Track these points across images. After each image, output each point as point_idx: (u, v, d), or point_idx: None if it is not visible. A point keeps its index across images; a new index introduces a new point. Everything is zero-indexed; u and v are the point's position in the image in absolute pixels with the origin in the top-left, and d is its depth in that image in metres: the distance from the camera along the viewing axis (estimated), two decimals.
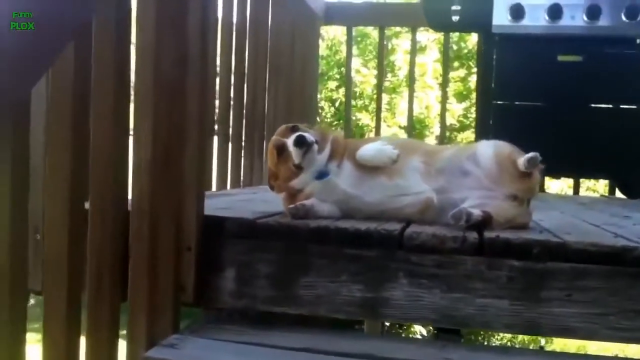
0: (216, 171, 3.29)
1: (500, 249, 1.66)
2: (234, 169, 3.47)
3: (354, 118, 8.66)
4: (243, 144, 3.62)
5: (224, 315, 1.79)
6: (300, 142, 1.87)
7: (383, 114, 8.55)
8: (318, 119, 8.81)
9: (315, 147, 1.90)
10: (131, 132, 1.67)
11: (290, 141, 1.89)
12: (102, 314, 1.65)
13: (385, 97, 8.63)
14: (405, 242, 1.69)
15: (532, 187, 1.94)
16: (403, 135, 8.04)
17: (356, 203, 1.92)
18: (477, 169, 1.95)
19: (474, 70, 8.93)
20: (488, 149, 1.98)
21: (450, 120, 8.67)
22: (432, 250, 1.68)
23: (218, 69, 3.38)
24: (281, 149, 1.92)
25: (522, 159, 1.87)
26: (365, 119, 8.51)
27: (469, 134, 9.80)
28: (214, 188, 3.20)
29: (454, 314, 1.68)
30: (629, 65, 4.18)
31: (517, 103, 4.40)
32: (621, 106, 4.31)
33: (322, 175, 1.92)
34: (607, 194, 4.98)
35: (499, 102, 4.36)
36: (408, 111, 5.59)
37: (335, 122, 8.94)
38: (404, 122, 7.98)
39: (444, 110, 5.49)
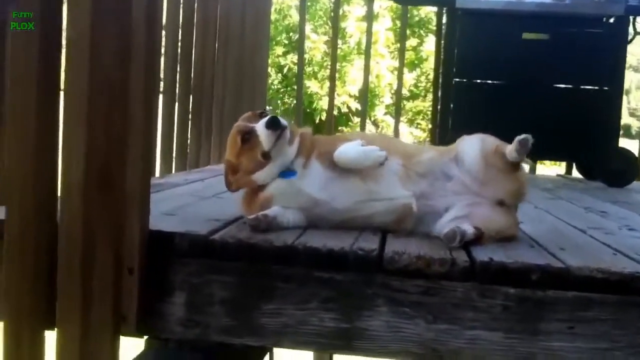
0: (160, 153, 2.99)
1: (494, 274, 1.45)
2: (179, 151, 3.17)
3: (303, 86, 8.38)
4: (190, 122, 3.31)
5: (171, 346, 1.53)
6: (275, 124, 1.62)
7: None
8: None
9: (288, 133, 1.65)
10: None
11: (261, 124, 1.65)
12: (22, 344, 1.38)
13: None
14: (386, 264, 1.46)
15: (519, 189, 1.74)
16: (354, 104, 7.82)
17: (324, 209, 1.68)
18: (461, 171, 1.73)
19: (426, 38, 8.75)
20: (474, 146, 1.75)
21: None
22: (416, 274, 1.45)
23: (164, 38, 3.06)
24: (247, 135, 1.65)
25: (512, 145, 1.65)
26: (314, 86, 8.22)
27: (418, 103, 9.66)
28: (157, 173, 2.91)
29: (440, 347, 1.46)
30: (595, 45, 4.03)
31: (478, 81, 4.21)
32: (581, 87, 4.16)
33: (288, 173, 1.67)
34: (564, 174, 4.88)
35: (460, 79, 4.16)
36: (363, 81, 5.36)
37: (283, 90, 8.62)
38: (354, 91, 7.75)
39: (400, 84, 5.29)
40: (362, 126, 5.49)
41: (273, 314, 1.48)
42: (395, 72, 7.25)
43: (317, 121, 7.97)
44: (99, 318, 1.39)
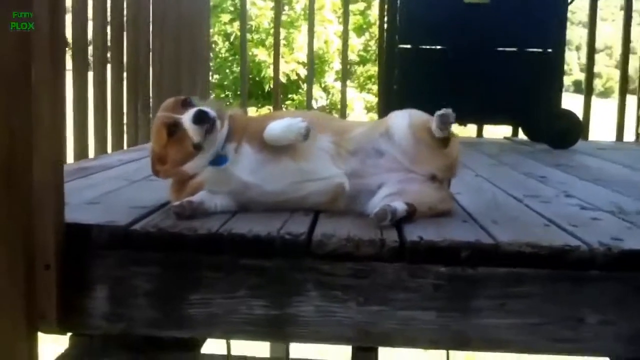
0: (93, 133, 2.89)
1: (425, 254, 1.42)
2: (114, 129, 3.06)
3: (250, 54, 8.23)
4: (125, 99, 3.20)
5: (96, 342, 1.47)
6: (202, 118, 1.54)
7: (281, 50, 8.18)
8: (211, 54, 8.32)
9: (218, 124, 1.58)
10: None
11: (187, 117, 1.56)
12: None
13: (282, 32, 8.23)
14: (314, 249, 1.42)
15: (451, 164, 1.71)
16: (303, 71, 7.72)
17: (255, 193, 1.63)
18: (392, 147, 1.69)
19: (374, 2, 8.67)
20: (402, 120, 1.71)
21: (350, 55, 8.39)
22: (345, 257, 1.42)
23: (90, 8, 2.92)
24: (173, 128, 1.57)
25: (434, 123, 1.62)
26: (261, 54, 8.08)
27: (370, 67, 9.59)
28: (91, 154, 2.81)
29: (372, 329, 1.43)
30: (537, 7, 4.02)
31: (422, 47, 4.18)
32: (525, 49, 4.16)
33: (219, 160, 1.61)
34: (510, 137, 4.90)
35: (403, 46, 4.12)
36: (308, 46, 5.27)
37: (231, 58, 8.46)
38: (303, 58, 7.65)
39: (346, 49, 5.21)
40: (309, 93, 5.42)
41: (200, 304, 1.43)
42: None
43: (266, 89, 7.88)
44: (10, 317, 1.32)
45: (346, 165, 1.65)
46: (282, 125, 1.61)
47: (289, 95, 8.37)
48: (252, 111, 8.04)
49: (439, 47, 4.20)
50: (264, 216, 1.57)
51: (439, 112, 1.59)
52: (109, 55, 3.09)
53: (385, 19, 4.29)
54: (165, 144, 1.59)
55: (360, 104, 8.59)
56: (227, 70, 8.49)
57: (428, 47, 4.20)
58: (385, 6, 4.27)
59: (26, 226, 1.32)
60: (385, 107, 4.13)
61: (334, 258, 1.42)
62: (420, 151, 1.66)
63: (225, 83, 8.64)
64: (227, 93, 8.80)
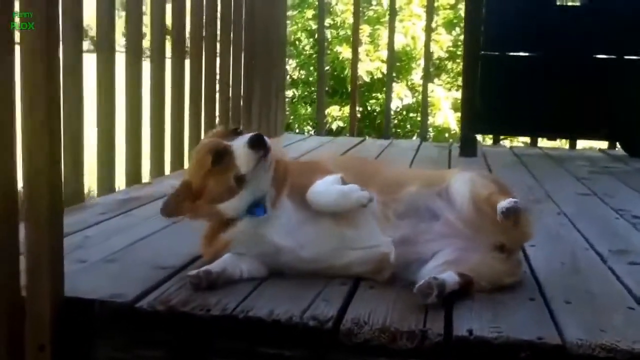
0: (150, 152, 2.77)
1: (474, 353, 1.18)
2: (174, 148, 2.93)
3: (334, 51, 8.05)
4: (186, 112, 3.06)
5: None
6: (259, 143, 1.38)
7: (365, 47, 7.94)
8: (295, 51, 8.20)
9: (270, 157, 1.41)
10: None
11: (241, 142, 1.39)
12: None
13: (367, 29, 7.99)
14: (342, 339, 1.21)
15: (523, 234, 1.46)
16: (384, 69, 7.46)
17: (289, 258, 1.43)
18: (450, 209, 1.47)
19: None
20: (463, 187, 1.49)
21: (438, 52, 8.06)
22: (379, 350, 1.20)
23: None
24: (221, 155, 1.40)
25: (498, 209, 1.38)
26: (346, 52, 7.85)
27: (460, 62, 9.16)
28: (145, 177, 2.69)
29: None
30: (638, 8, 3.63)
31: (508, 54, 3.87)
32: (626, 56, 3.78)
33: (257, 209, 1.43)
34: (606, 149, 4.50)
35: (488, 52, 3.81)
36: (388, 43, 5.10)
37: (315, 55, 8.26)
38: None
39: (428, 48, 5.03)
40: (389, 94, 5.21)
41: None
42: (433, 34, 6.91)
43: (349, 88, 7.65)
44: None
45: (395, 231, 1.43)
46: (337, 192, 1.42)
47: (373, 94, 8.11)
48: (335, 110, 7.82)
49: (527, 54, 3.89)
50: (293, 287, 1.38)
51: (504, 205, 1.38)
52: (168, 56, 2.93)
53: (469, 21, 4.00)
54: (206, 173, 1.42)
55: (447, 104, 8.20)
56: (312, 68, 8.31)
57: (515, 54, 3.90)
58: (470, 10, 3.97)
59: (15, 299, 1.18)
60: (467, 121, 3.83)
61: (365, 351, 1.21)
62: (483, 221, 1.44)
63: (311, 79, 8.45)
64: (311, 89, 8.61)
